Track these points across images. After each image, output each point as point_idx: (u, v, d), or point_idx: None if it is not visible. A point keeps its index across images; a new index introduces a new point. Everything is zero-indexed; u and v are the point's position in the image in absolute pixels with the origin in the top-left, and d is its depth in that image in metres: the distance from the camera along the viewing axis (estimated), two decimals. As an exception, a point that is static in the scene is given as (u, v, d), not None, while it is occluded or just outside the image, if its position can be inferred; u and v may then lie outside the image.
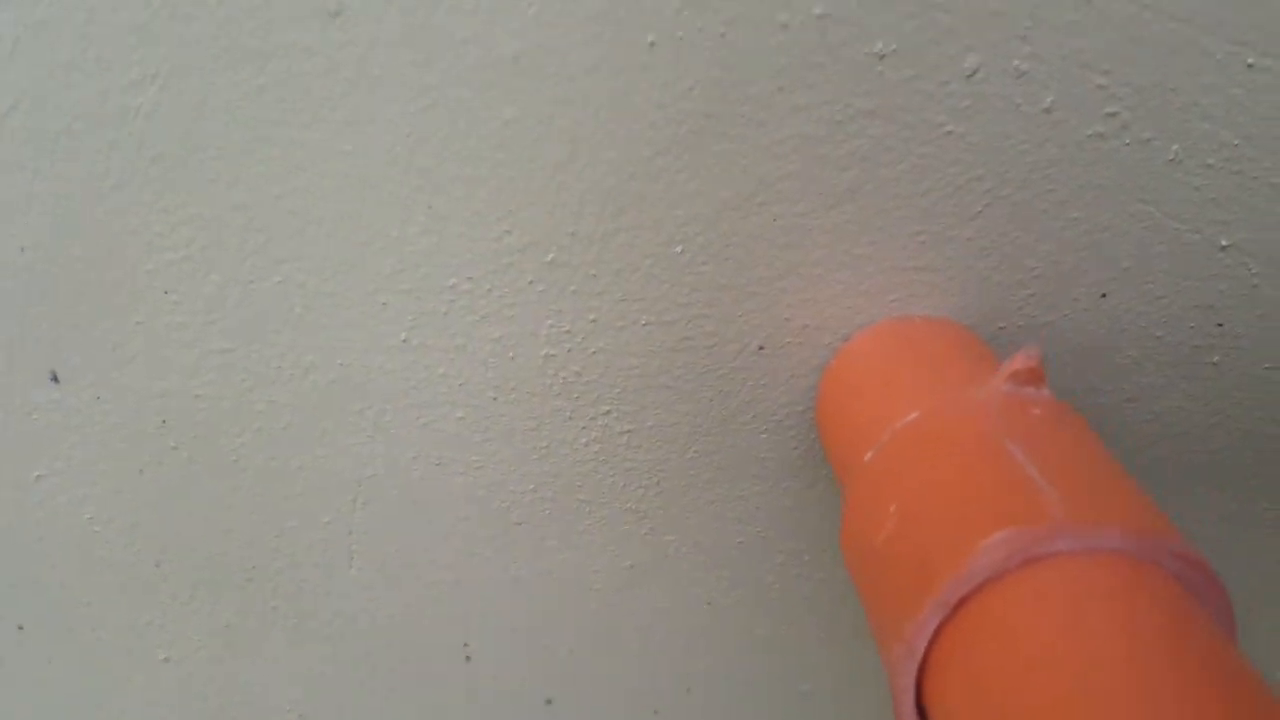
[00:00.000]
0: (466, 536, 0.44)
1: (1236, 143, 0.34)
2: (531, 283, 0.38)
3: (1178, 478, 0.42)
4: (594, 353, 0.40)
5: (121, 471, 0.43)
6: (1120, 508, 0.24)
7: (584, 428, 0.42)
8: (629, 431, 0.42)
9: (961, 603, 0.23)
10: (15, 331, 0.40)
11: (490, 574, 0.46)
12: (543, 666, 0.49)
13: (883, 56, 0.33)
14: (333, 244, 0.37)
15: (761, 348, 0.39)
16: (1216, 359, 0.39)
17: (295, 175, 0.36)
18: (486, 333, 0.39)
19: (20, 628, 0.49)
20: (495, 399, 0.41)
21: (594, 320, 0.39)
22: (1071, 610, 0.21)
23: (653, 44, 0.33)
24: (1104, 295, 0.37)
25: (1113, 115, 0.34)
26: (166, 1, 0.32)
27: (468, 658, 0.49)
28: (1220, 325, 0.38)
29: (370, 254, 0.37)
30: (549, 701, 0.50)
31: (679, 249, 0.37)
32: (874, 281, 0.38)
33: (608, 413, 0.41)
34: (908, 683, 0.24)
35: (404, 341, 0.39)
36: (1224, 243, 0.36)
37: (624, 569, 0.45)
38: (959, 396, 0.29)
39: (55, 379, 0.41)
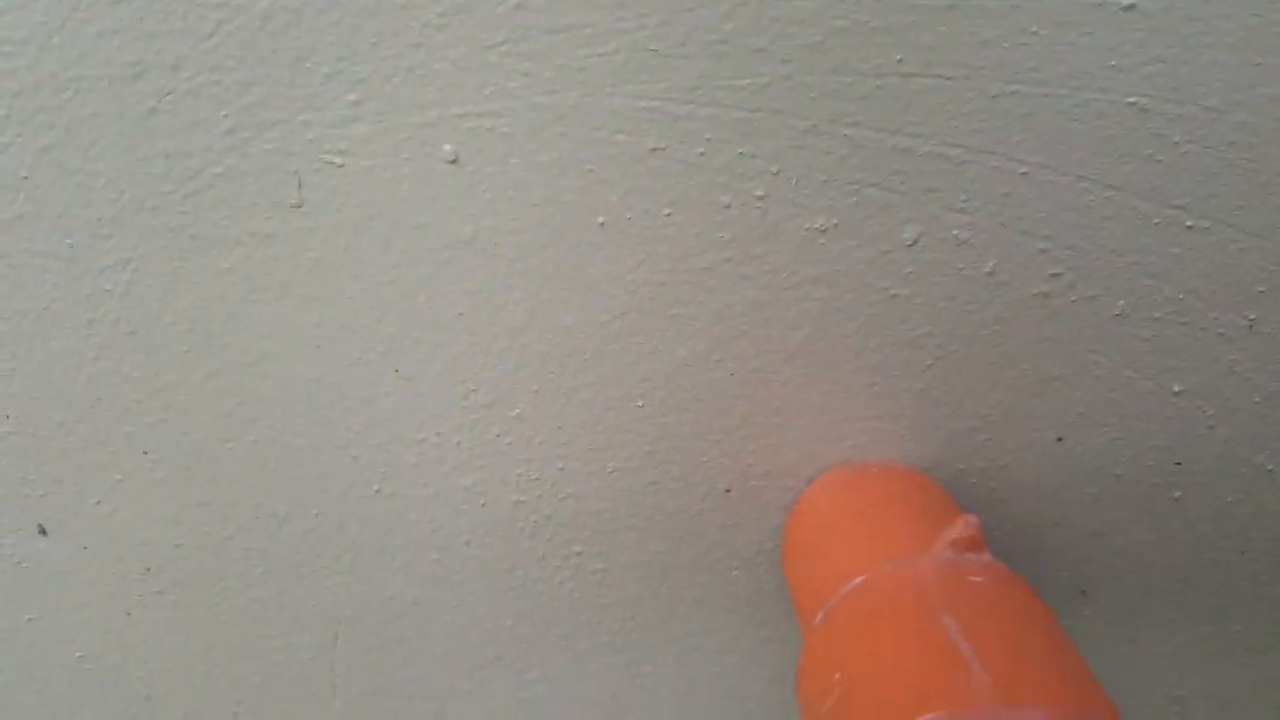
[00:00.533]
0: (446, 671, 0.46)
1: (1181, 296, 0.35)
2: (499, 435, 0.39)
3: (1146, 604, 0.43)
4: (563, 498, 0.41)
5: (109, 614, 0.45)
6: (1046, 686, 0.25)
7: (557, 567, 0.43)
8: (602, 570, 0.43)
9: None
10: (4, 490, 0.42)
11: (471, 706, 0.47)
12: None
13: (824, 230, 0.34)
14: (303, 404, 0.39)
15: (728, 490, 0.40)
16: (1178, 495, 0.40)
17: (264, 343, 0.38)
18: (457, 482, 0.40)
19: (17, 754, 0.51)
20: (469, 542, 0.42)
21: (562, 469, 0.40)
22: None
23: (602, 223, 0.34)
24: (1060, 439, 0.38)
25: (1057, 275, 0.35)
26: (134, 196, 0.34)
27: (453, 783, 0.50)
28: (1179, 464, 0.39)
29: (339, 413, 0.39)
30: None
31: (640, 402, 0.38)
32: (832, 429, 0.39)
33: (580, 553, 0.42)
34: None
35: (376, 491, 0.41)
36: (1177, 388, 0.37)
37: (604, 700, 0.46)
38: (903, 562, 0.30)
39: (43, 531, 0.42)
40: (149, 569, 0.43)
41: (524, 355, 0.37)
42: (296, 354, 0.38)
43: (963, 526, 0.30)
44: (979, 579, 0.28)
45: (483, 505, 0.41)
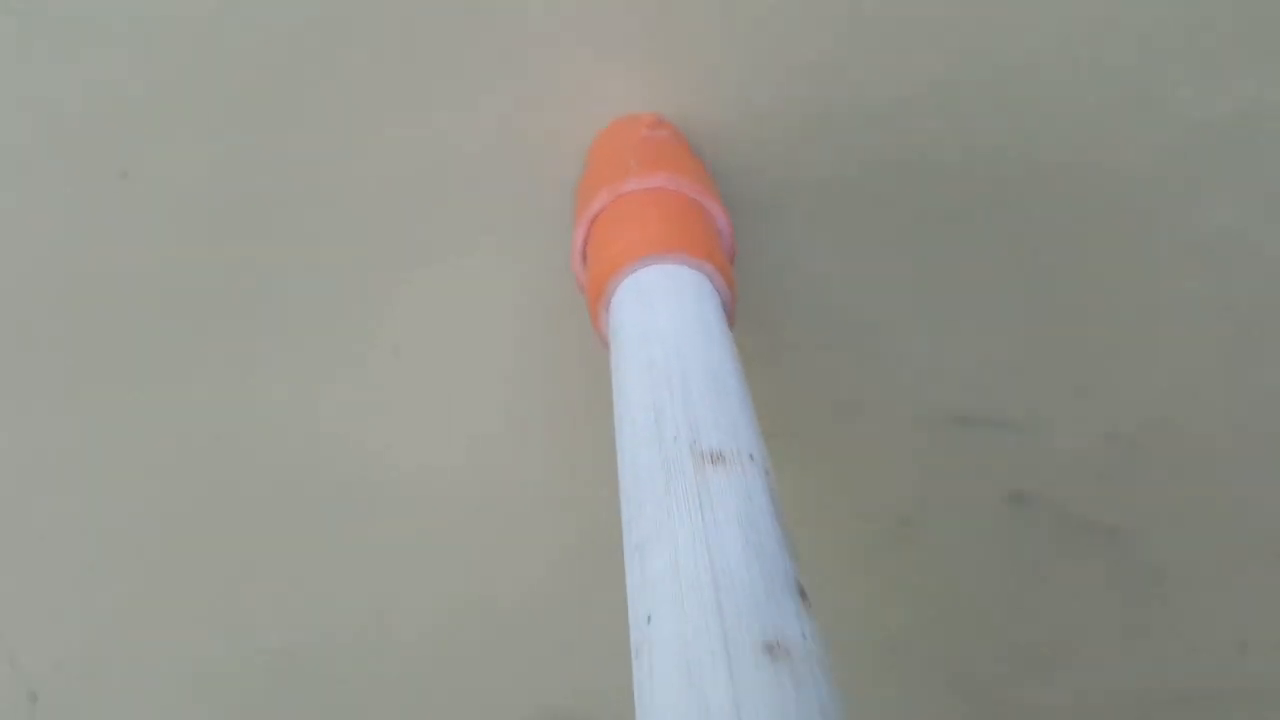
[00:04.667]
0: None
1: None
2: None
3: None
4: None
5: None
6: (669, 167, 0.46)
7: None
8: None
9: (593, 219, 0.48)
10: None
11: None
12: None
13: None
14: None
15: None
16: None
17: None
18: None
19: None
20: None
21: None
22: (630, 200, 0.46)
23: None
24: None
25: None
26: None
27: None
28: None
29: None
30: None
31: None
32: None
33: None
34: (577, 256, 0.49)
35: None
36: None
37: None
38: (619, 141, 0.52)
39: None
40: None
41: None
42: None
43: (648, 118, 0.53)
44: (661, 137, 0.52)
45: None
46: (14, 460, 0.58)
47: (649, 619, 0.23)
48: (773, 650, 0.21)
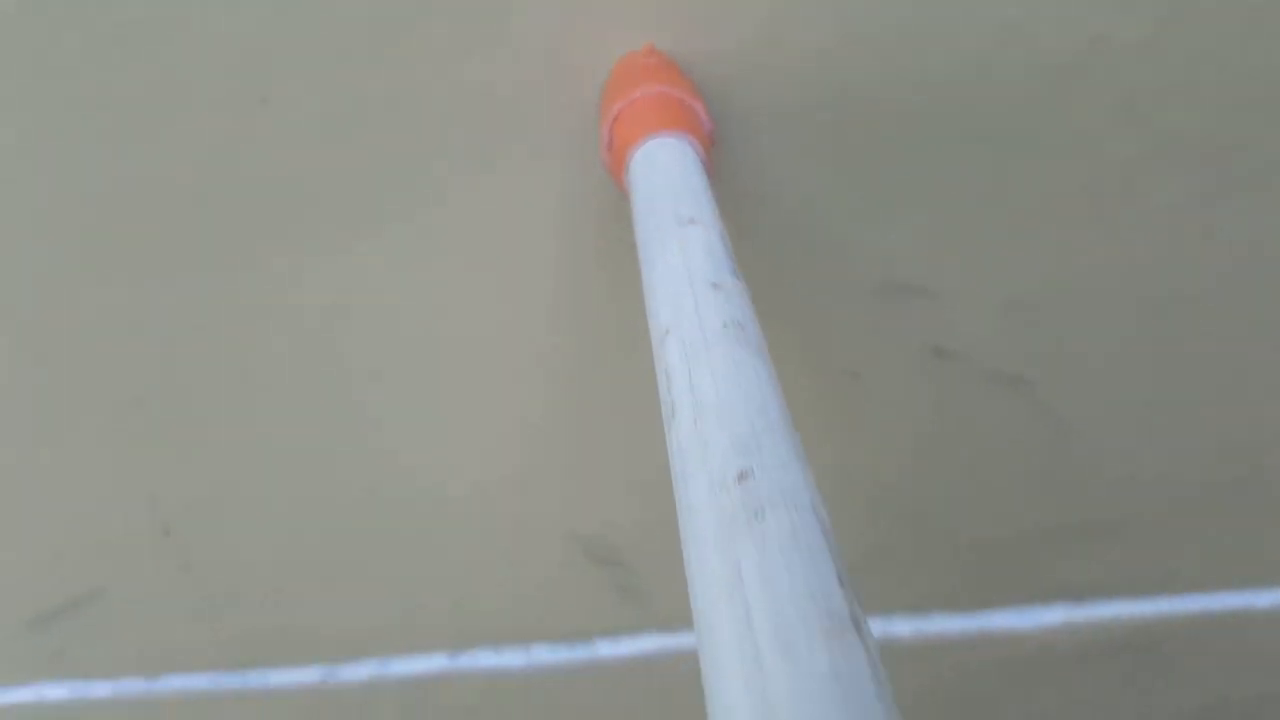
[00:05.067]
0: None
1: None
2: None
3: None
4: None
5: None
6: (662, 80, 0.66)
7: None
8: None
9: (614, 119, 0.67)
10: None
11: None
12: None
13: None
14: None
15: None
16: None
17: None
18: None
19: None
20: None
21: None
22: (640, 102, 0.66)
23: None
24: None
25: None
26: None
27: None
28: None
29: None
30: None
31: None
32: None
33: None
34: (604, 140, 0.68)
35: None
36: None
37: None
38: (626, 67, 0.74)
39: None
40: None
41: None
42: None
43: (646, 48, 0.73)
44: (652, 63, 0.72)
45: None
46: (166, 327, 0.72)
47: (658, 313, 0.44)
48: (728, 327, 0.41)
